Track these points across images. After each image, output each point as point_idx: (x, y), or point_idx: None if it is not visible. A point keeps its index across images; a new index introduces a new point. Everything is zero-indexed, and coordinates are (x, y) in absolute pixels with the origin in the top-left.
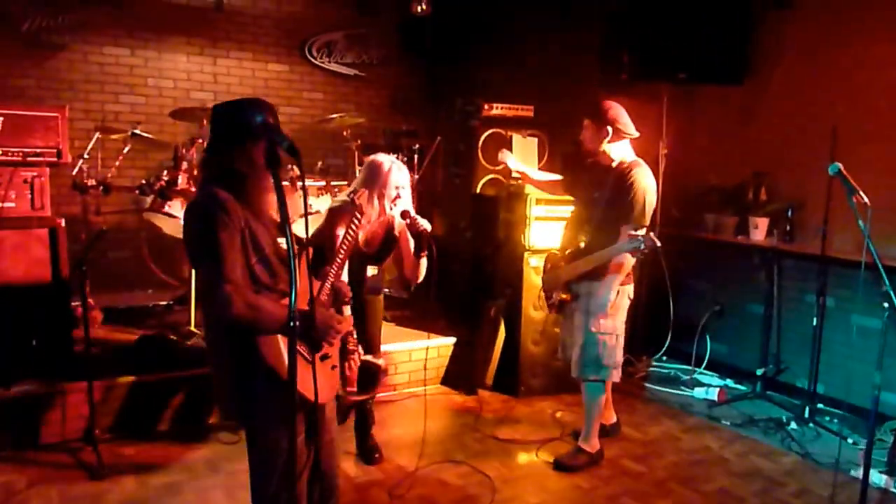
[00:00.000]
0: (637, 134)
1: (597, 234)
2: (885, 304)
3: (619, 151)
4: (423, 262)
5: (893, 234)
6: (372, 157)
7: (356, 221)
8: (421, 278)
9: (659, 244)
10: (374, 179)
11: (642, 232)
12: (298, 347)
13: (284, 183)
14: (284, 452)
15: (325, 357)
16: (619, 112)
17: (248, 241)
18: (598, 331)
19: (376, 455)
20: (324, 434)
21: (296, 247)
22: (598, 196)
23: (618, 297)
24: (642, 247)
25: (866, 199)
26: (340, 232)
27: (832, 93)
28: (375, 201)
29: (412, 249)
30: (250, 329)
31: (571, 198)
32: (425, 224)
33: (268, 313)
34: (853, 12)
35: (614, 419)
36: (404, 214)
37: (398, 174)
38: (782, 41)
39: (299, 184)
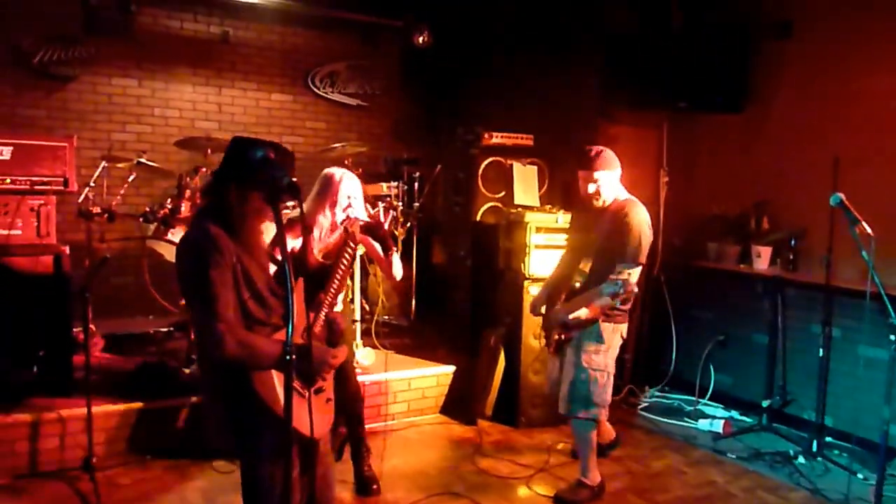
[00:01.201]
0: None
1: (593, 275)
2: (893, 337)
3: (610, 190)
4: (396, 258)
5: None
6: (325, 170)
7: (349, 251)
8: (399, 275)
9: (636, 290)
10: (326, 191)
11: (624, 276)
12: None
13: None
14: (277, 486)
15: (319, 391)
16: (605, 157)
17: (241, 277)
18: (589, 367)
19: (374, 486)
20: (318, 467)
21: (293, 281)
22: (595, 237)
23: (610, 335)
24: (621, 291)
25: (869, 230)
26: (293, 242)
27: (833, 121)
28: (328, 211)
29: (381, 252)
30: (244, 366)
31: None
32: (366, 218)
33: (261, 351)
34: (852, 42)
35: (613, 435)
36: (352, 223)
37: (349, 183)
38: (782, 70)
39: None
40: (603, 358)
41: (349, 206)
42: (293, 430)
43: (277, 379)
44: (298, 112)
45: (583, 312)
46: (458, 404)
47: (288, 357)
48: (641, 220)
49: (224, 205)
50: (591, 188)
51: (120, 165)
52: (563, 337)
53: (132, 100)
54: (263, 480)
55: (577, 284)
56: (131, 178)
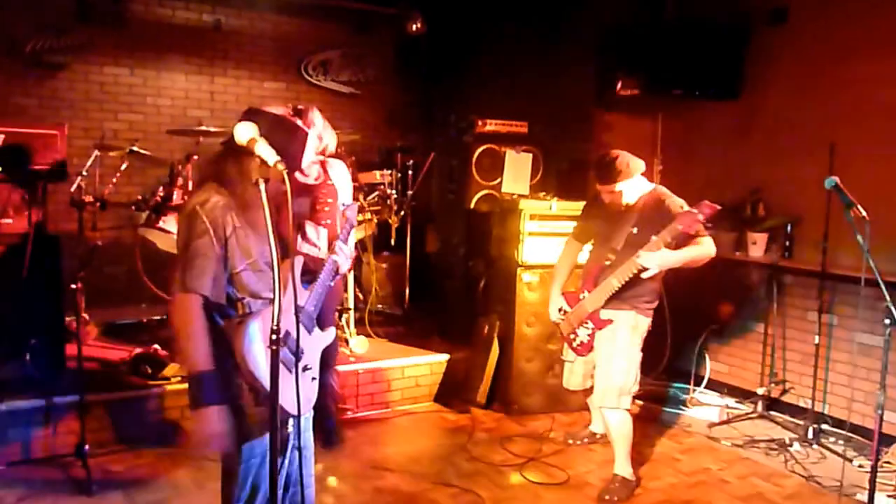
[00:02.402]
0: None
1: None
2: (887, 321)
3: (633, 192)
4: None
5: (894, 248)
6: None
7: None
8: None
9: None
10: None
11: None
12: (282, 355)
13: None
14: (253, 463)
15: (306, 368)
16: (623, 167)
17: (236, 248)
18: (628, 357)
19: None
20: (296, 442)
21: (279, 258)
22: (638, 231)
23: (643, 328)
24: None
25: (864, 213)
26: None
27: (829, 107)
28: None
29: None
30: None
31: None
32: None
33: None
34: (847, 28)
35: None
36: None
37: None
38: (778, 56)
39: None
40: (637, 349)
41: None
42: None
43: (263, 349)
44: (291, 100)
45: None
46: (452, 392)
47: (273, 338)
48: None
49: (227, 174)
50: (614, 198)
51: (112, 154)
52: (597, 326)
53: (124, 88)
54: (242, 457)
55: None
56: (123, 166)
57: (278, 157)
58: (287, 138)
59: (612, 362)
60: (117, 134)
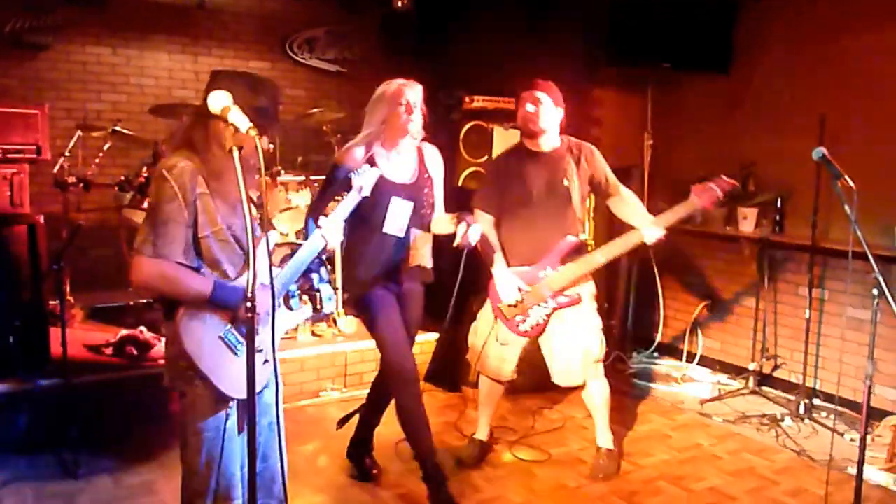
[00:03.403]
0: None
1: (574, 224)
2: (875, 291)
3: (553, 125)
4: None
5: (885, 223)
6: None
7: None
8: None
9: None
10: (379, 104)
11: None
12: (226, 338)
13: (266, 179)
14: (209, 437)
15: (257, 350)
16: (552, 86)
17: (201, 214)
18: (599, 329)
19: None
20: (261, 417)
21: (258, 230)
22: (568, 183)
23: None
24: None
25: (851, 183)
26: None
27: (818, 80)
28: (384, 127)
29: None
30: (163, 295)
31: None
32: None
33: (185, 284)
34: (836, 1)
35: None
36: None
37: (407, 90)
38: (767, 29)
39: (279, 178)
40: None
41: (409, 113)
42: (218, 389)
43: (206, 331)
44: (277, 79)
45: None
46: (443, 372)
47: (248, 305)
48: None
49: (196, 141)
50: (531, 109)
51: (95, 135)
52: (555, 310)
53: (107, 68)
54: (195, 430)
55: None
56: (106, 146)
57: (251, 124)
58: (257, 95)
59: (589, 336)
60: (100, 114)
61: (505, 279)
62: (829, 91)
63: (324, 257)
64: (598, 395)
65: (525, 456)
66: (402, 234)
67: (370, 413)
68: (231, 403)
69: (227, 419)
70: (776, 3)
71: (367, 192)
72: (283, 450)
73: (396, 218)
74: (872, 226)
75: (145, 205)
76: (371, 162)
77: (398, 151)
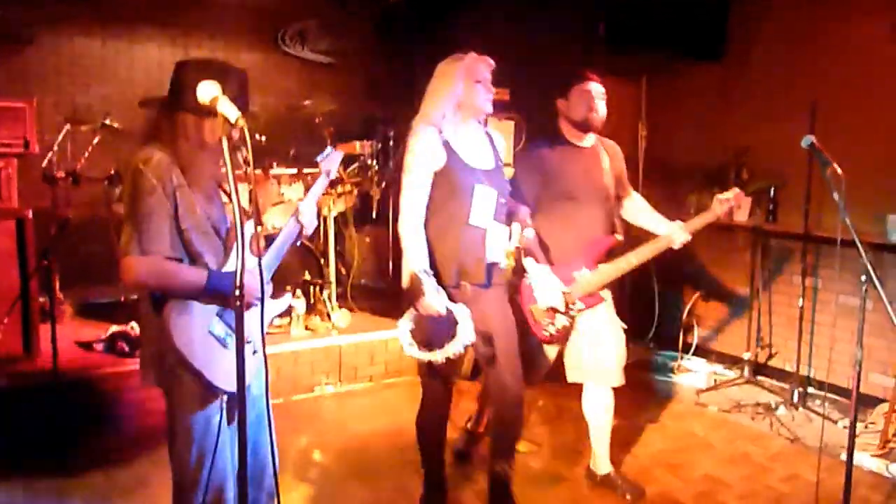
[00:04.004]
0: None
1: (613, 222)
2: (863, 278)
3: None
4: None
5: (877, 211)
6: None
7: None
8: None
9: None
10: (446, 79)
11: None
12: (216, 330)
13: (257, 172)
14: (198, 432)
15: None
16: None
17: (181, 206)
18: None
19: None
20: (250, 411)
21: (243, 221)
22: (608, 180)
23: None
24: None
25: (840, 171)
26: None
27: (811, 69)
28: (452, 98)
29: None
30: (159, 292)
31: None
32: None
33: (180, 279)
34: None
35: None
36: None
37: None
38: (760, 17)
39: (271, 172)
40: None
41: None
42: (210, 383)
43: (195, 326)
44: (269, 71)
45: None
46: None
47: (237, 293)
48: None
49: (166, 134)
50: (600, 102)
51: (84, 128)
52: (580, 311)
53: (95, 61)
54: (184, 425)
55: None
56: (96, 140)
57: (240, 113)
58: (226, 84)
59: (619, 337)
60: (89, 108)
61: (547, 281)
62: (822, 79)
63: (299, 243)
64: (610, 405)
65: (521, 448)
66: (488, 226)
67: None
68: (221, 396)
69: (216, 413)
70: None
71: (333, 175)
72: (273, 443)
73: (482, 208)
74: (864, 214)
75: None
76: (448, 146)
77: (471, 134)
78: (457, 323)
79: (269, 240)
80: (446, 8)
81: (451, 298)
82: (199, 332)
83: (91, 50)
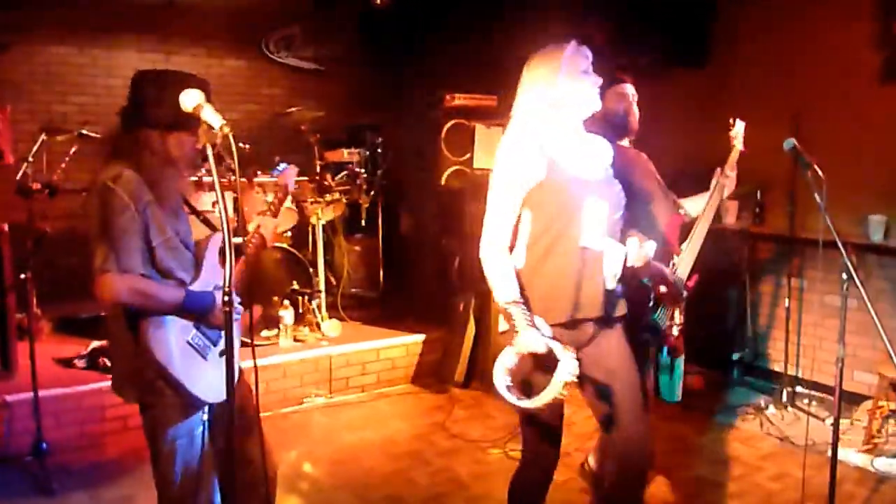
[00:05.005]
0: None
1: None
2: (844, 276)
3: None
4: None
5: (860, 213)
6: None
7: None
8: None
9: None
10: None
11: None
12: (195, 342)
13: (242, 180)
14: (182, 445)
15: (223, 353)
16: None
17: (151, 223)
18: None
19: None
20: (236, 422)
21: (229, 230)
22: (643, 182)
23: None
24: None
25: (821, 172)
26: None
27: (794, 74)
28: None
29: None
30: (137, 311)
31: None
32: None
33: (158, 296)
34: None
35: None
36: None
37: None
38: (742, 24)
39: (256, 180)
40: None
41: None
42: (193, 395)
43: (174, 338)
44: (253, 79)
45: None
46: (429, 373)
47: (225, 299)
48: None
49: (131, 149)
50: (635, 106)
51: (60, 138)
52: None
53: (72, 69)
54: (167, 440)
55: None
56: (73, 150)
57: (224, 121)
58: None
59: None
60: (66, 117)
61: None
62: (804, 85)
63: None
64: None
65: (513, 453)
66: (602, 247)
67: None
68: (204, 408)
69: (199, 425)
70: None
71: (292, 188)
72: (266, 454)
73: (594, 225)
74: (847, 216)
75: None
76: (548, 155)
77: (575, 138)
78: (557, 361)
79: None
80: (433, 15)
81: (561, 340)
82: (178, 344)
83: (67, 57)
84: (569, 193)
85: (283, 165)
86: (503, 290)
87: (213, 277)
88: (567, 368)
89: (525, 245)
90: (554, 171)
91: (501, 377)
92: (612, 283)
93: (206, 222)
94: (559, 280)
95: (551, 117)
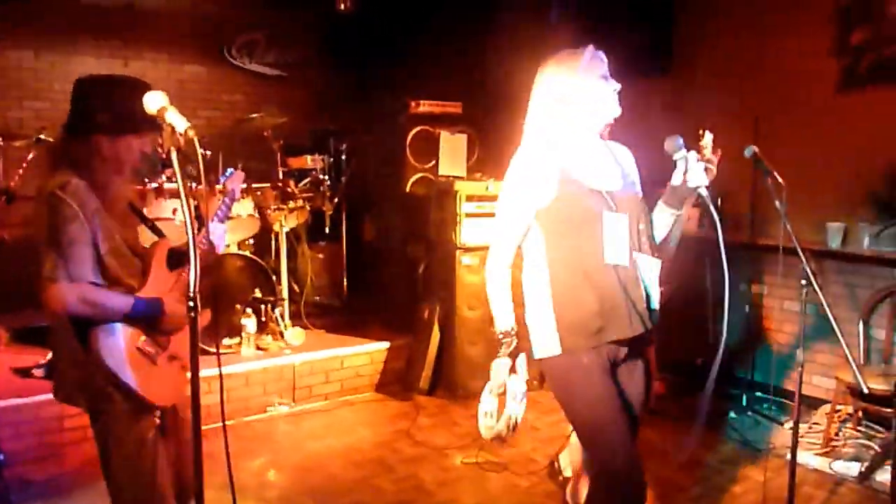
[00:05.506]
0: None
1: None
2: (802, 282)
3: None
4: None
5: (818, 220)
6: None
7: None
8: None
9: None
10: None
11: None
12: (145, 347)
13: (204, 188)
14: (133, 449)
15: (172, 358)
16: None
17: (99, 231)
18: None
19: None
20: (179, 433)
21: (194, 234)
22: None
23: None
24: None
25: (780, 179)
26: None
27: (755, 83)
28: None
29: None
30: (88, 320)
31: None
32: None
33: (108, 305)
34: (767, 5)
35: None
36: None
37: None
38: (704, 32)
39: (217, 187)
40: None
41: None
42: (144, 400)
43: (124, 343)
44: (214, 84)
45: None
46: (394, 381)
47: (192, 305)
48: None
49: (78, 156)
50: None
51: (17, 144)
52: None
53: (28, 73)
54: (119, 446)
55: None
56: (30, 156)
57: (189, 124)
58: (136, 98)
59: None
60: (22, 122)
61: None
62: (765, 92)
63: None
64: None
65: (478, 459)
66: (627, 263)
67: None
68: (155, 413)
69: (150, 430)
70: (713, 8)
71: (237, 196)
72: (199, 462)
73: (615, 240)
74: (807, 223)
75: None
76: (562, 167)
77: (590, 148)
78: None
79: (177, 254)
80: (398, 21)
81: (588, 365)
82: (129, 350)
83: (23, 62)
84: (584, 208)
85: (229, 171)
86: (501, 318)
87: (162, 284)
88: (509, 411)
89: (544, 266)
90: (567, 186)
91: (483, 403)
92: (651, 300)
93: (154, 229)
94: (582, 304)
95: (567, 126)
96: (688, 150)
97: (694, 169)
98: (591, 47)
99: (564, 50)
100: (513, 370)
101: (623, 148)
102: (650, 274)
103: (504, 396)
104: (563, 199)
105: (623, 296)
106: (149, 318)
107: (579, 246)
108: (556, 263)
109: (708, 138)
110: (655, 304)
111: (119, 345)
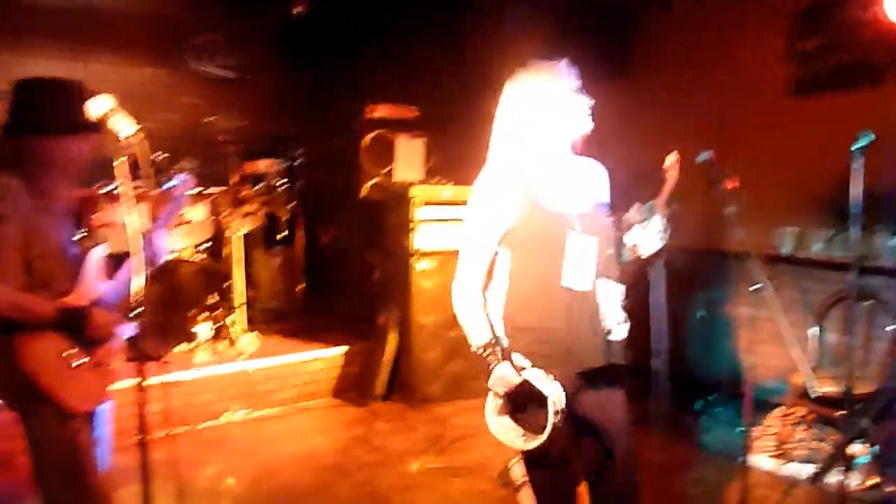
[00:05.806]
0: None
1: None
2: (752, 287)
3: None
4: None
5: (773, 225)
6: None
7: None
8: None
9: None
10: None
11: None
12: (68, 353)
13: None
14: (62, 449)
15: (98, 364)
16: None
17: (31, 234)
18: None
19: None
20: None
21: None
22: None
23: None
24: None
25: (730, 186)
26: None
27: (712, 88)
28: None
29: None
30: (12, 323)
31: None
32: None
33: (32, 310)
34: (724, 10)
35: None
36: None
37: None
38: (662, 39)
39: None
40: None
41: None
42: (67, 404)
43: (48, 349)
44: (173, 87)
45: None
46: (351, 386)
47: (137, 310)
48: None
49: (19, 157)
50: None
51: None
52: None
53: None
54: (45, 449)
55: None
56: None
57: (134, 130)
58: (78, 101)
59: None
60: None
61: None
62: (721, 97)
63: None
64: None
65: (436, 464)
66: (588, 287)
67: None
68: (80, 417)
69: (75, 434)
70: (672, 15)
71: (183, 201)
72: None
73: (578, 262)
74: (759, 227)
75: None
76: (527, 186)
77: (560, 166)
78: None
79: (119, 261)
80: (355, 25)
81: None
82: (52, 355)
83: None
84: (549, 230)
85: (179, 176)
86: (475, 334)
87: (92, 290)
88: (552, 396)
89: (507, 287)
90: (534, 208)
91: (494, 423)
92: (611, 328)
93: (91, 235)
94: (547, 327)
95: (539, 119)
96: (651, 217)
97: (651, 238)
98: (565, 60)
99: (536, 60)
100: (514, 369)
101: (597, 165)
102: (611, 300)
103: (508, 404)
104: (528, 221)
105: (585, 323)
106: (74, 325)
107: (542, 268)
108: (517, 278)
109: (671, 158)
110: (617, 336)
111: (43, 349)
